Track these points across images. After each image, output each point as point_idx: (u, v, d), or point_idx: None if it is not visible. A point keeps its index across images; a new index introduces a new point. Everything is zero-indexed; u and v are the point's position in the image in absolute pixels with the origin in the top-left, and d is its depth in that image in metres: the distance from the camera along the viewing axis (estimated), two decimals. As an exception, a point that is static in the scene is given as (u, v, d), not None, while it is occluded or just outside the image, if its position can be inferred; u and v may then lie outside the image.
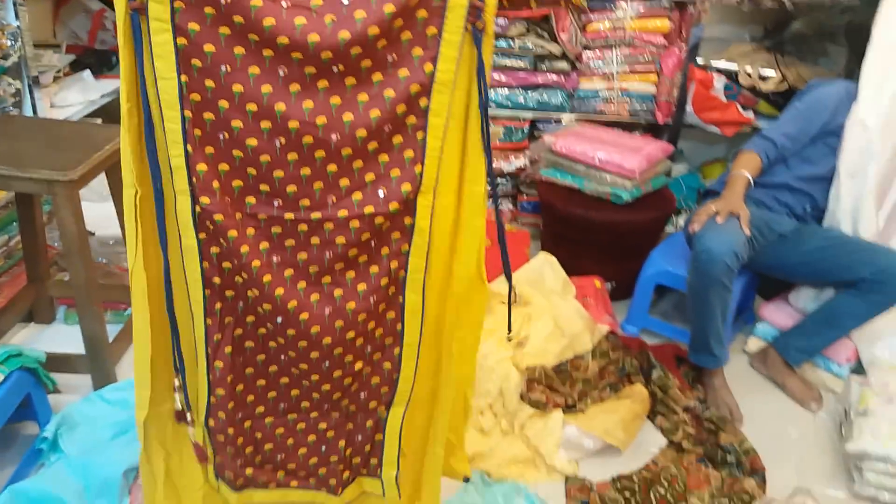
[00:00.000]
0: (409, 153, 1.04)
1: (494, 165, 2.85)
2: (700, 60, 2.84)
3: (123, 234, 1.96)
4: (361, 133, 1.00)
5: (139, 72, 0.94)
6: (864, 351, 2.19)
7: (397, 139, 1.03)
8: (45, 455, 1.67)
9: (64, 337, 2.11)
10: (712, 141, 3.13)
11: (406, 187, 1.04)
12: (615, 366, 2.15)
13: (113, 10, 2.75)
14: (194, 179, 1.00)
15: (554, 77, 2.86)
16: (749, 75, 2.83)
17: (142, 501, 1.35)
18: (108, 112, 2.48)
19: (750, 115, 2.81)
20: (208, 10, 0.90)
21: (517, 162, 2.91)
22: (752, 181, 2.13)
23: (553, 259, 2.38)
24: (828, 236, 2.16)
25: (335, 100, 0.97)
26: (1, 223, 2.03)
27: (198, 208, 1.02)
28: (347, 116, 0.98)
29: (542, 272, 2.33)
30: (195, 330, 1.13)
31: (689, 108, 2.85)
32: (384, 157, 1.04)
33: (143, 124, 0.97)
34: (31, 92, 2.06)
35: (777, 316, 2.34)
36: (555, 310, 2.16)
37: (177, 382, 1.15)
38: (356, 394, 1.24)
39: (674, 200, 2.69)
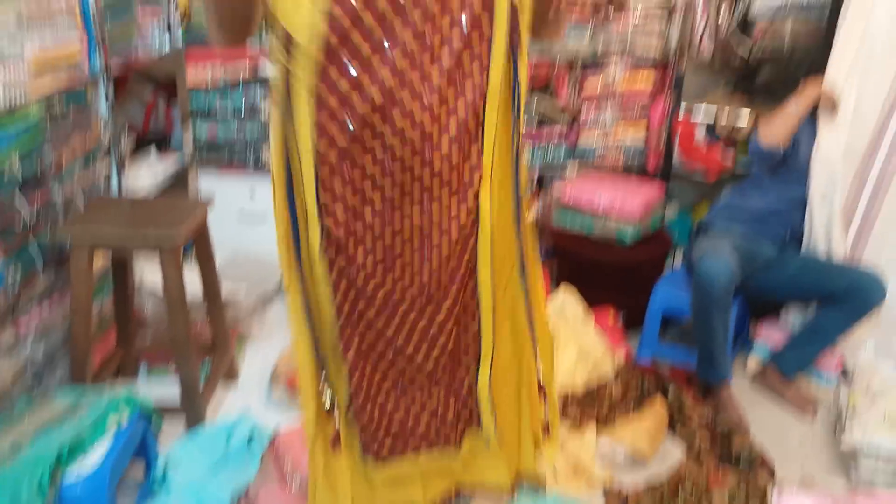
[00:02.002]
0: (474, 147, 1.33)
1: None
2: (683, 105, 3.20)
3: (207, 291, 2.25)
4: (445, 136, 1.30)
5: (284, 131, 1.27)
6: (849, 358, 2.53)
7: (467, 144, 1.32)
8: (157, 491, 1.88)
9: (148, 390, 2.31)
10: (699, 186, 3.50)
11: (476, 175, 1.33)
12: (635, 386, 2.44)
13: (163, 98, 3.07)
14: (325, 202, 1.29)
15: (556, 134, 3.23)
16: (724, 126, 3.21)
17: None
18: (170, 193, 2.79)
19: (730, 161, 3.20)
20: (335, 77, 1.22)
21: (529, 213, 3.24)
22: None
23: (572, 290, 2.70)
24: (805, 259, 2.52)
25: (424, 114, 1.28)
26: (97, 290, 2.29)
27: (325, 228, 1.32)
28: (433, 125, 1.28)
29: (564, 304, 2.64)
30: (330, 330, 1.41)
31: (675, 156, 3.22)
32: (457, 156, 1.32)
33: (285, 168, 1.31)
34: (118, 173, 2.36)
35: (771, 335, 2.67)
36: (579, 337, 2.47)
37: (322, 379, 1.45)
38: (455, 355, 1.49)
39: (671, 239, 3.03)
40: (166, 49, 2.81)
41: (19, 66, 1.86)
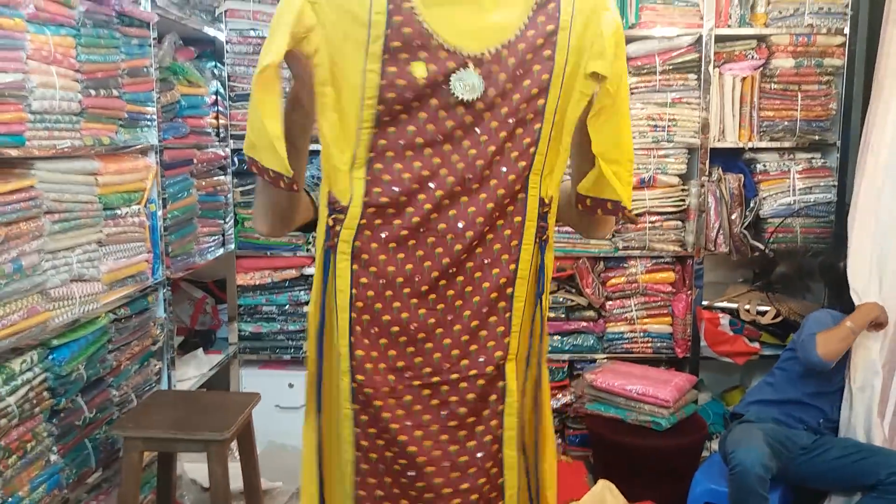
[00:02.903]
0: (500, 328, 1.37)
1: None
2: (705, 302, 3.34)
3: (247, 483, 2.30)
4: (467, 313, 1.36)
5: (323, 287, 1.34)
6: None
7: (492, 318, 1.37)
8: None
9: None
10: (728, 370, 3.55)
11: (498, 354, 1.37)
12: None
13: (212, 296, 3.29)
14: (353, 363, 1.34)
15: (584, 324, 3.35)
16: (748, 311, 3.33)
17: None
18: (211, 384, 2.92)
19: (756, 345, 3.27)
20: (374, 244, 1.32)
21: (562, 399, 3.29)
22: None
23: (611, 485, 2.68)
24: (844, 445, 2.51)
25: (450, 291, 1.34)
26: (142, 483, 2.34)
27: (354, 384, 1.34)
28: (459, 302, 1.35)
29: (604, 498, 2.61)
30: (345, 487, 1.39)
31: (702, 343, 3.31)
32: (483, 332, 1.37)
33: (318, 325, 1.36)
34: (168, 370, 2.50)
35: (817, 527, 2.60)
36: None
37: None
38: None
39: (706, 425, 3.04)
40: (219, 253, 3.05)
41: (95, 284, 2.06)
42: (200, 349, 2.97)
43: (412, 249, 1.33)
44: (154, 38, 2.40)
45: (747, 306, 3.31)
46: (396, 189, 1.32)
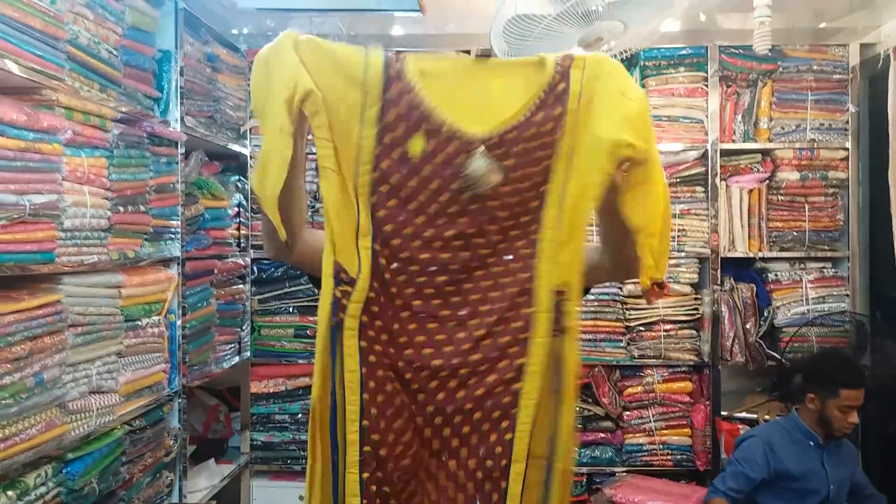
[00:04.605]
0: (504, 424, 1.27)
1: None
2: (724, 413, 3.29)
3: None
4: (469, 406, 1.28)
5: (332, 369, 1.24)
6: None
7: (496, 414, 1.28)
8: None
9: None
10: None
11: (498, 449, 1.28)
12: None
13: (226, 403, 3.28)
14: (367, 448, 1.24)
15: (602, 434, 3.29)
16: (766, 420, 3.26)
17: None
18: (222, 495, 2.87)
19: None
20: (378, 323, 1.25)
21: (580, 515, 3.20)
22: None
23: None
24: None
25: (452, 383, 1.27)
26: None
27: (366, 474, 1.25)
28: (460, 393, 1.28)
29: None
30: None
31: (723, 455, 3.22)
32: (485, 426, 1.28)
33: (330, 409, 1.26)
34: (180, 481, 2.47)
35: None
36: None
37: None
38: None
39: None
40: (235, 361, 3.07)
41: (113, 396, 2.08)
42: (212, 459, 2.94)
43: (412, 334, 1.27)
44: (181, 155, 2.52)
45: (766, 416, 3.25)
46: (398, 265, 1.26)
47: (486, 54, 1.35)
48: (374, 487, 1.26)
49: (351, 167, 1.23)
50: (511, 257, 1.28)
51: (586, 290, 1.52)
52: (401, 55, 1.25)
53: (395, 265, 1.26)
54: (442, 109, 1.23)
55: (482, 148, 1.23)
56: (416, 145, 1.23)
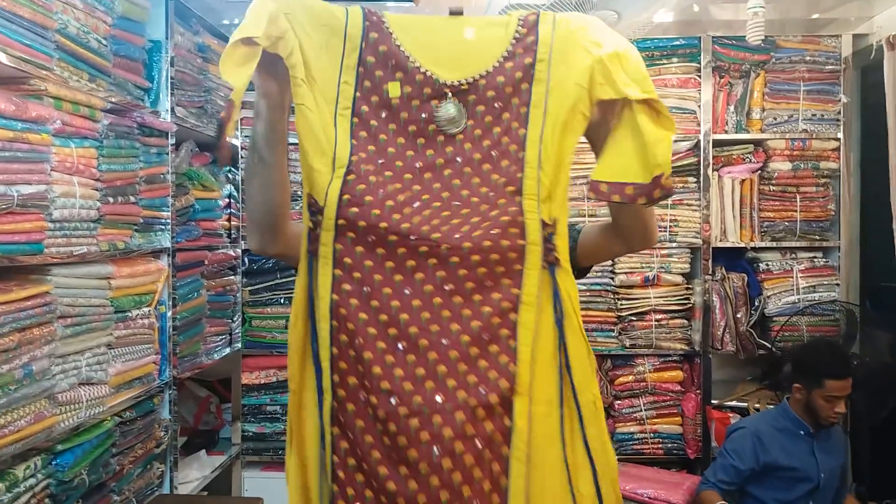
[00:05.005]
0: (503, 358, 1.21)
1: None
2: (714, 402, 3.30)
3: None
4: (465, 339, 1.20)
5: (309, 295, 1.22)
6: None
7: (493, 347, 1.21)
8: None
9: None
10: (740, 471, 3.46)
11: (503, 384, 1.19)
12: None
13: (217, 395, 3.28)
14: (335, 377, 1.20)
15: (592, 425, 3.30)
16: (758, 410, 3.27)
17: None
18: (213, 486, 2.87)
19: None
20: (358, 248, 1.22)
21: None
22: None
23: None
24: None
25: (445, 313, 1.21)
26: None
27: (335, 403, 1.20)
28: (455, 326, 1.20)
29: None
30: None
31: (713, 444, 3.24)
32: (483, 363, 1.20)
33: (311, 334, 1.23)
34: (171, 472, 2.47)
35: None
36: None
37: None
38: None
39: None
40: (226, 352, 3.06)
41: (103, 387, 2.07)
42: (203, 451, 2.93)
43: (402, 258, 1.22)
44: (172, 146, 2.50)
45: (757, 405, 3.27)
46: (377, 194, 1.23)
47: (458, 12, 1.40)
48: (342, 417, 1.21)
49: (331, 109, 1.27)
50: (494, 194, 1.26)
51: (588, 269, 1.56)
52: (380, 11, 1.32)
53: (371, 196, 1.23)
54: (416, 57, 1.30)
55: (451, 92, 1.29)
56: (394, 90, 1.28)
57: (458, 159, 1.28)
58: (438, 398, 1.18)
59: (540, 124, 1.28)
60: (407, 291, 1.21)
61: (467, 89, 1.29)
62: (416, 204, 1.24)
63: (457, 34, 1.33)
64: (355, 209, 1.21)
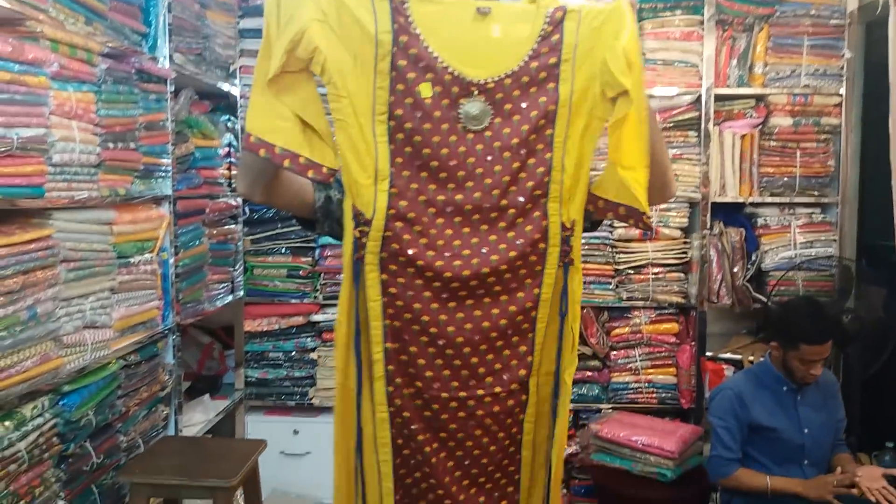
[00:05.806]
0: (523, 348, 1.47)
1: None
2: (709, 354, 3.35)
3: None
4: (493, 335, 1.45)
5: (355, 297, 1.41)
6: None
7: (515, 339, 1.47)
8: None
9: None
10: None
11: (522, 372, 1.48)
12: None
13: (220, 342, 3.33)
14: (390, 367, 1.43)
15: (589, 373, 3.36)
16: (752, 362, 3.33)
17: None
18: (217, 429, 2.94)
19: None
20: (401, 258, 1.40)
21: (568, 449, 3.28)
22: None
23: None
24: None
25: (476, 313, 1.43)
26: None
27: (390, 388, 1.44)
28: (485, 324, 1.44)
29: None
30: (384, 486, 1.48)
31: (706, 393, 3.30)
32: (507, 352, 1.47)
33: (353, 334, 1.43)
34: (175, 415, 2.53)
35: None
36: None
37: None
38: None
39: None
40: (228, 300, 3.10)
41: (107, 331, 2.10)
42: (207, 395, 3.00)
43: (439, 268, 1.40)
44: (171, 93, 2.50)
45: (751, 357, 3.32)
46: (418, 207, 1.39)
47: (485, 12, 1.43)
48: (397, 401, 1.45)
49: (368, 116, 1.35)
50: (523, 199, 1.41)
51: (601, 222, 1.65)
52: (405, 4, 1.36)
53: (414, 206, 1.39)
54: (444, 57, 1.36)
55: (478, 90, 1.37)
56: (426, 90, 1.36)
57: (489, 158, 1.40)
58: (471, 383, 1.45)
59: (565, 125, 1.40)
60: (444, 295, 1.42)
61: (493, 87, 1.38)
62: (450, 209, 1.40)
63: (483, 31, 1.38)
64: (400, 223, 1.38)
